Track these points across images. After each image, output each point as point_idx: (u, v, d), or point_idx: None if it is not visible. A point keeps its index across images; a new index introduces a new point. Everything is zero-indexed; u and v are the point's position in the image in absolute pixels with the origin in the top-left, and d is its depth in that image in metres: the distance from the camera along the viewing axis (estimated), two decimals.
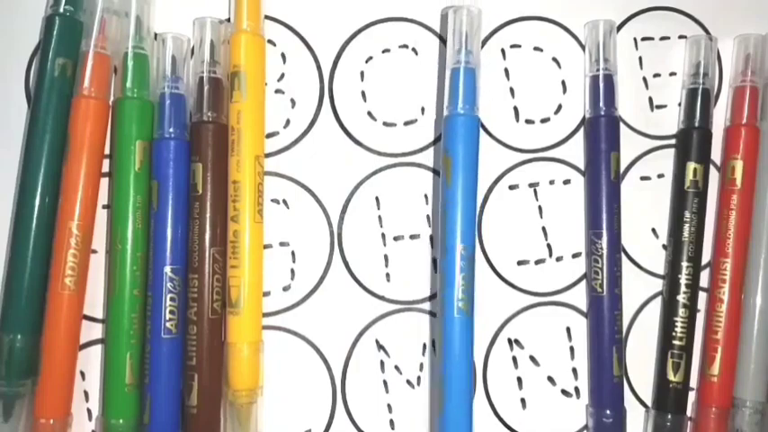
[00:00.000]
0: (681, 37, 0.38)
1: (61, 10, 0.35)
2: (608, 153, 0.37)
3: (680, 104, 0.39)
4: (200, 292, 0.34)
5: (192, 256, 0.35)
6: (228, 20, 0.37)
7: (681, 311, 0.36)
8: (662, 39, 0.39)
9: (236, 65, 0.35)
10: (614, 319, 0.36)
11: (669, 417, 0.36)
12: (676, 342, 0.36)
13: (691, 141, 0.37)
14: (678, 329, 0.36)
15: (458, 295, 0.34)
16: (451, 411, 0.33)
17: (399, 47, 0.38)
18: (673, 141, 0.39)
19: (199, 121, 0.35)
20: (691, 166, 0.37)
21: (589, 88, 0.38)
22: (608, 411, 0.36)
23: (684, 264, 0.36)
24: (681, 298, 0.36)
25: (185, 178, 0.35)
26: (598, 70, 0.37)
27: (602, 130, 0.37)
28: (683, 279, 0.36)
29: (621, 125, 0.38)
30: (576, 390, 0.38)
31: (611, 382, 0.36)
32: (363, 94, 0.38)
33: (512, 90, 0.39)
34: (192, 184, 0.35)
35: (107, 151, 0.36)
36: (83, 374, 0.36)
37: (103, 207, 0.36)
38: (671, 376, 0.36)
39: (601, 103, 0.37)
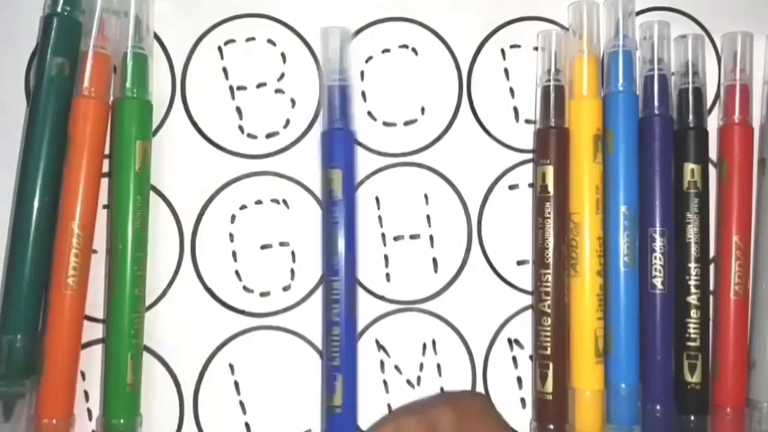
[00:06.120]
0: (681, 37, 0.38)
1: (59, 10, 0.35)
2: (663, 152, 0.36)
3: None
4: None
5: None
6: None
7: (692, 312, 0.36)
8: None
9: (599, 128, 0.37)
10: (672, 317, 0.36)
11: (692, 418, 0.36)
12: (691, 343, 0.36)
13: (685, 142, 0.37)
14: (691, 330, 0.36)
15: (623, 251, 0.36)
16: (619, 355, 0.36)
17: (399, 47, 0.38)
18: None
19: (546, 126, 0.37)
20: (688, 166, 0.37)
21: (642, 88, 0.37)
22: (658, 407, 0.36)
23: (691, 265, 0.36)
24: (691, 299, 0.36)
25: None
26: (652, 70, 0.37)
27: (656, 129, 0.37)
28: (692, 280, 0.36)
29: None
30: None
31: (667, 378, 0.36)
32: (363, 94, 0.38)
33: (512, 90, 0.39)
34: (543, 186, 0.36)
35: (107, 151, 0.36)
36: (83, 374, 0.36)
37: (104, 207, 0.36)
38: (688, 377, 0.36)
39: (656, 103, 0.37)
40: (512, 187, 0.38)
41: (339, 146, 0.36)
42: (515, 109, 0.39)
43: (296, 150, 0.38)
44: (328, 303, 0.35)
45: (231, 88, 0.38)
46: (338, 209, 0.35)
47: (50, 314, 0.34)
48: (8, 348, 0.33)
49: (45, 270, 0.34)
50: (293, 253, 0.37)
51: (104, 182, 0.36)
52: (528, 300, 0.38)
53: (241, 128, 0.38)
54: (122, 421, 0.34)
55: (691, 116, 0.37)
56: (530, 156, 0.38)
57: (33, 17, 0.37)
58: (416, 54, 0.38)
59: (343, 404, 0.35)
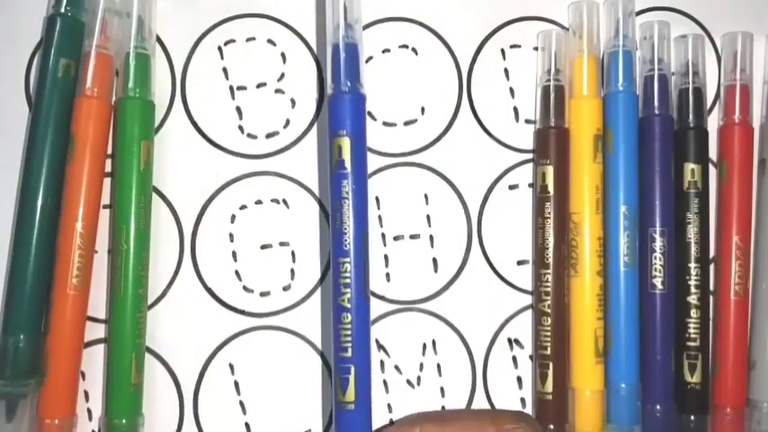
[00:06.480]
0: (682, 37, 0.38)
1: (62, 10, 0.35)
2: (663, 152, 0.36)
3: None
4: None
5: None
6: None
7: (692, 312, 0.36)
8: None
9: (599, 128, 0.36)
10: (672, 317, 0.36)
11: (692, 418, 0.36)
12: (691, 343, 0.36)
13: (685, 142, 0.37)
14: (691, 330, 0.36)
15: (623, 251, 0.36)
16: (619, 355, 0.36)
17: (399, 47, 0.38)
18: None
19: (546, 126, 0.37)
20: (688, 166, 0.37)
21: (642, 88, 0.37)
22: (658, 407, 0.36)
23: (691, 265, 0.36)
24: (691, 299, 0.36)
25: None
26: (652, 70, 0.37)
27: (656, 129, 0.37)
28: (692, 280, 0.36)
29: None
30: None
31: (667, 378, 0.36)
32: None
33: (512, 90, 0.39)
34: (543, 186, 0.36)
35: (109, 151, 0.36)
36: (83, 374, 0.36)
37: (104, 207, 0.36)
38: (688, 377, 0.36)
39: (656, 103, 0.37)
40: (512, 187, 0.38)
41: (347, 110, 0.33)
42: (515, 109, 0.39)
43: (296, 150, 0.38)
44: (337, 288, 0.32)
45: (231, 88, 0.38)
46: (347, 181, 0.32)
47: (54, 314, 0.34)
48: (12, 349, 0.33)
49: (48, 270, 0.34)
50: (293, 253, 0.37)
51: (106, 182, 0.36)
52: (528, 300, 0.38)
53: (241, 128, 0.38)
54: (125, 421, 0.34)
55: (691, 116, 0.37)
56: (530, 156, 0.38)
57: (34, 17, 0.37)
58: (416, 54, 0.38)
59: (356, 400, 0.32)
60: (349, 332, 0.32)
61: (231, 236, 0.37)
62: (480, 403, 0.37)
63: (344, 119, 0.33)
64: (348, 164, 0.32)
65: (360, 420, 0.32)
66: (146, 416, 0.35)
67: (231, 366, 0.37)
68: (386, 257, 0.38)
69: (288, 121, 0.38)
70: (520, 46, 0.39)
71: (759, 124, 0.39)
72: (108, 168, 0.36)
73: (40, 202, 0.34)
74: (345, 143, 0.33)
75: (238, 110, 0.38)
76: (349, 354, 0.32)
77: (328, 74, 0.33)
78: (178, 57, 0.38)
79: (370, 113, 0.38)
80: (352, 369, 0.32)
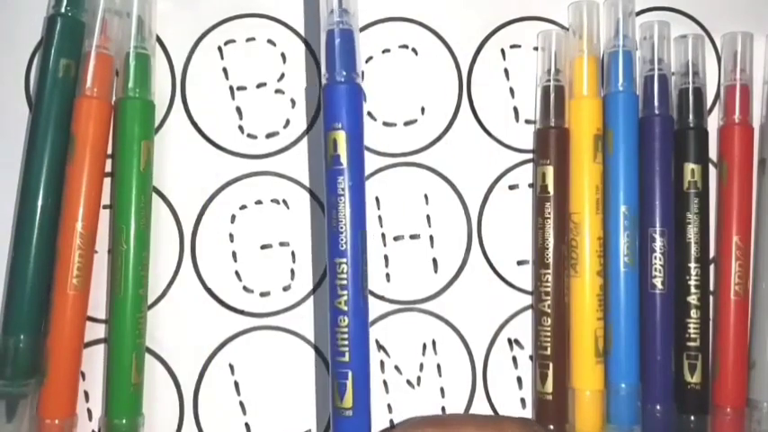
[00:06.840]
0: (682, 37, 0.38)
1: (63, 10, 0.35)
2: (663, 152, 0.36)
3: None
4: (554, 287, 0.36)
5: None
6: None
7: (692, 312, 0.36)
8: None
9: (599, 128, 0.36)
10: (672, 317, 0.36)
11: (692, 418, 0.36)
12: (691, 343, 0.36)
13: (685, 142, 0.37)
14: (691, 330, 0.36)
15: (623, 251, 0.36)
16: (619, 355, 0.36)
17: (399, 47, 0.38)
18: None
19: (546, 126, 0.37)
20: (688, 166, 0.37)
21: (642, 88, 0.37)
22: (658, 407, 0.36)
23: (691, 265, 0.36)
24: (691, 299, 0.36)
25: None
26: (652, 70, 0.37)
27: (656, 129, 0.37)
28: (692, 280, 0.36)
29: None
30: None
31: (668, 378, 0.36)
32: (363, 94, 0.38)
33: (512, 90, 0.39)
34: (543, 186, 0.36)
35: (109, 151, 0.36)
36: (83, 375, 0.36)
37: (104, 207, 0.36)
38: (688, 377, 0.36)
39: (656, 103, 0.37)
40: (512, 187, 0.38)
41: (343, 101, 0.31)
42: (515, 109, 0.39)
43: (296, 150, 0.38)
44: (333, 290, 0.31)
45: (231, 88, 0.38)
46: (343, 177, 0.31)
47: (54, 314, 0.34)
48: (12, 349, 0.33)
49: (48, 271, 0.34)
50: (293, 253, 0.37)
51: (106, 182, 0.36)
52: (528, 300, 0.38)
53: (241, 128, 0.38)
54: (125, 421, 0.34)
55: (691, 116, 0.37)
56: (530, 156, 0.38)
57: (34, 17, 0.37)
58: (416, 54, 0.38)
59: (354, 406, 0.31)
60: (346, 336, 0.31)
61: (231, 236, 0.37)
62: (480, 403, 0.37)
63: (340, 111, 0.31)
64: (344, 159, 0.31)
65: (358, 427, 0.31)
66: (146, 416, 0.35)
67: (231, 366, 0.37)
68: (386, 257, 0.38)
69: (288, 121, 0.38)
70: (520, 46, 0.39)
71: (759, 124, 0.39)
72: (108, 168, 0.36)
73: (40, 203, 0.34)
74: (341, 137, 0.32)
75: (238, 110, 0.38)
76: (346, 358, 0.31)
77: (323, 63, 0.33)
78: (178, 57, 0.38)
79: (369, 114, 0.38)
80: (350, 374, 0.31)
